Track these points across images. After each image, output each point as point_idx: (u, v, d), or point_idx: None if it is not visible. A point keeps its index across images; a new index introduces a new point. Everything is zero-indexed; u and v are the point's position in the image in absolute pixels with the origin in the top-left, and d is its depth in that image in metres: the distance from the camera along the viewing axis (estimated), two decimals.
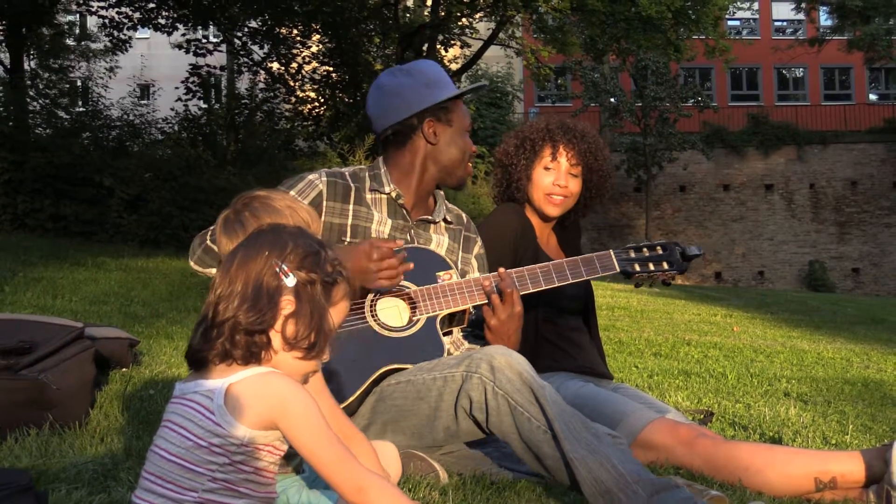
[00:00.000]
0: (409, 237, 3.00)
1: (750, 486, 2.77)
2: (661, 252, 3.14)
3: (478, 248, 3.22)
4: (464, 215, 3.26)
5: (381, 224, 2.97)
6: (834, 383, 5.55)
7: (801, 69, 38.79)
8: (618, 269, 3.10)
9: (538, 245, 3.47)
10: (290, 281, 1.82)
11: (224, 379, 1.78)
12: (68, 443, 2.87)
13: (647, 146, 29.88)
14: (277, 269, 1.82)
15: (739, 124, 33.18)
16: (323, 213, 2.90)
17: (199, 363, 1.84)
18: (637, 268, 3.11)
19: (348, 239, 2.91)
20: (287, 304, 1.82)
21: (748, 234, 32.41)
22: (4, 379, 2.97)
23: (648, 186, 31.02)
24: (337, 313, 1.92)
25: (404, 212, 3.02)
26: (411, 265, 2.76)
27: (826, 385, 5.45)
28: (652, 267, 3.12)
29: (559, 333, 3.47)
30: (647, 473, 2.33)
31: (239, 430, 1.75)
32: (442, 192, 3.18)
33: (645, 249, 3.15)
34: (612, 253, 3.11)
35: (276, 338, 1.82)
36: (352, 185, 2.98)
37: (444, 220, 3.13)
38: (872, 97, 39.40)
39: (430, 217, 3.08)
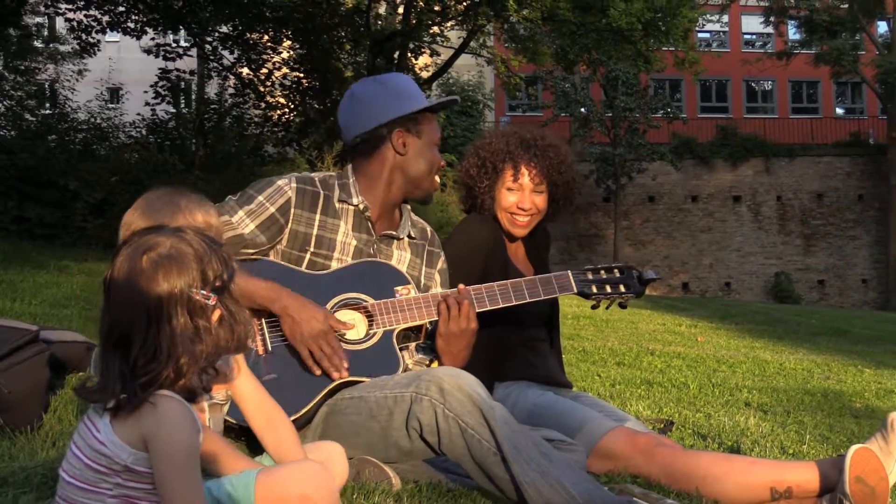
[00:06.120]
0: (371, 251, 2.99)
1: (707, 494, 2.79)
2: (618, 275, 3.19)
3: (441, 262, 3.21)
4: (428, 229, 3.24)
5: (346, 236, 2.95)
6: (794, 394, 5.59)
7: (769, 82, 39.19)
8: (575, 291, 3.14)
9: (507, 257, 3.46)
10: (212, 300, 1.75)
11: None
12: (18, 447, 2.81)
13: (617, 156, 30.02)
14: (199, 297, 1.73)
15: (708, 136, 33.40)
16: (290, 221, 2.89)
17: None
18: (594, 289, 3.16)
19: (312, 249, 2.90)
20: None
21: (715, 245, 32.63)
22: None
23: (617, 197, 31.16)
24: None
25: (369, 224, 3.01)
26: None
27: (786, 395, 5.50)
28: (609, 289, 3.17)
29: (522, 342, 3.45)
30: (600, 492, 2.32)
31: (123, 451, 1.67)
32: (409, 207, 3.17)
33: (602, 272, 3.19)
34: (570, 274, 3.14)
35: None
36: (321, 192, 2.97)
37: (409, 235, 3.12)
38: (839, 111, 39.91)
39: (394, 233, 3.07)
